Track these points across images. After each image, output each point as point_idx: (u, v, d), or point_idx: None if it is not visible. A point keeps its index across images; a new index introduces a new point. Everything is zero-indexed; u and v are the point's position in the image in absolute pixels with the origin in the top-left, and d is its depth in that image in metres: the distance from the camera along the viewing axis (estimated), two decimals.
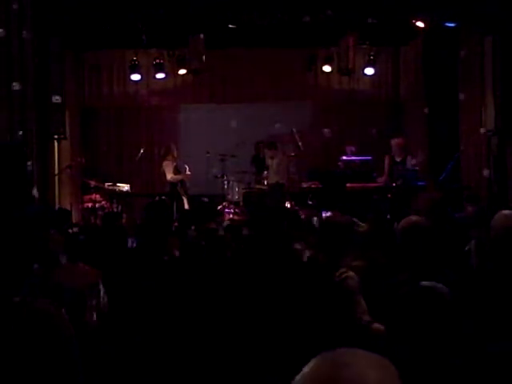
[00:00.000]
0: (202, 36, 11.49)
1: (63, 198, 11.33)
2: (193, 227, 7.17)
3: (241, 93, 12.92)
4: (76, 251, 4.86)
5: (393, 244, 4.27)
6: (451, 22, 10.62)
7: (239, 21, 10.95)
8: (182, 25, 10.98)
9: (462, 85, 11.22)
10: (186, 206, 11.08)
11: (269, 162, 11.44)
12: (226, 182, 11.77)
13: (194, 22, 10.98)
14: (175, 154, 11.24)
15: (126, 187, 11.66)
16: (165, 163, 11.12)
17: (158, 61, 12.08)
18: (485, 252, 4.51)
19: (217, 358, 3.76)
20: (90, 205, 11.29)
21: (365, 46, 12.14)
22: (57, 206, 10.53)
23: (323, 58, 12.44)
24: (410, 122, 12.85)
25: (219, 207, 11.37)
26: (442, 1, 10.13)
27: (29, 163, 8.85)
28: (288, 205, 10.90)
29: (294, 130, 11.57)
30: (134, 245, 6.08)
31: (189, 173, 11.16)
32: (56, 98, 10.47)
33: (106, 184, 11.47)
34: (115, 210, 11.08)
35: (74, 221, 10.14)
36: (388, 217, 9.13)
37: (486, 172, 10.33)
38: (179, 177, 11.10)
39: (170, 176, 11.01)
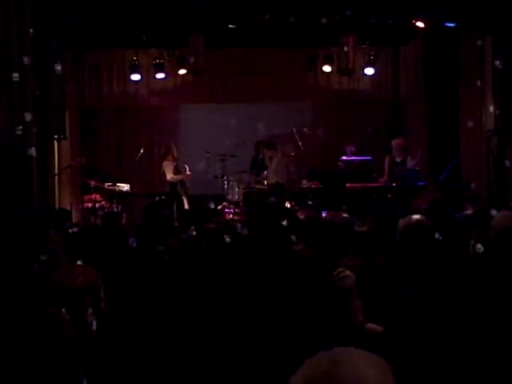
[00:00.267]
0: (201, 36, 11.50)
1: (63, 198, 11.33)
2: (193, 227, 7.16)
3: (241, 93, 12.92)
4: (76, 251, 4.85)
5: (393, 244, 4.27)
6: (451, 22, 10.62)
7: (239, 21, 10.95)
8: (182, 25, 10.98)
9: (461, 85, 11.22)
10: (186, 206, 11.08)
11: (268, 162, 11.44)
12: (225, 182, 11.78)
13: (194, 22, 10.98)
14: (175, 154, 11.24)
15: (126, 187, 11.66)
16: (165, 163, 11.12)
17: (157, 61, 12.07)
18: (485, 252, 4.52)
19: (217, 358, 3.76)
20: (90, 205, 11.29)
21: (365, 46, 12.14)
22: (57, 206, 10.53)
23: (323, 57, 12.44)
24: (410, 122, 12.85)
25: (219, 207, 11.38)
26: (441, 1, 10.13)
27: (29, 163, 8.85)
28: (288, 205, 10.91)
29: (294, 129, 11.58)
30: (134, 245, 6.08)
31: (189, 173, 11.16)
32: (57, 99, 10.49)
33: (106, 184, 11.47)
34: (115, 209, 11.07)
35: (74, 221, 10.14)
36: (388, 217, 9.12)
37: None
38: (179, 177, 11.10)
39: (169, 176, 11.02)
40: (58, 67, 10.65)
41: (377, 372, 1.28)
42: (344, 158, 11.82)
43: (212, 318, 4.05)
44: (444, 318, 2.60)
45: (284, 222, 5.81)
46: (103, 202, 11.31)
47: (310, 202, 11.22)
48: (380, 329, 3.49)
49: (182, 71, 12.33)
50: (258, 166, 11.83)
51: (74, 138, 12.10)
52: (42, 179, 9.96)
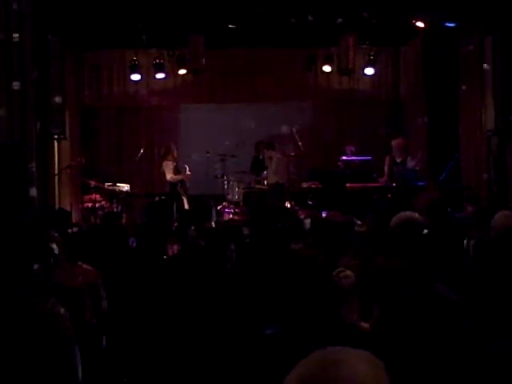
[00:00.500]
0: (201, 36, 11.50)
1: (63, 198, 11.32)
2: (193, 227, 7.16)
3: (241, 93, 12.92)
4: (76, 251, 4.85)
5: (392, 244, 4.28)
6: (451, 22, 10.62)
7: (239, 21, 10.95)
8: (182, 25, 10.98)
9: (461, 85, 11.22)
10: (186, 206, 11.07)
11: (268, 162, 11.43)
12: (226, 182, 11.77)
13: (194, 22, 10.98)
14: (175, 154, 11.23)
15: (126, 187, 11.66)
16: (165, 163, 11.11)
17: (157, 61, 12.07)
18: (485, 252, 4.51)
19: (216, 358, 3.76)
20: (90, 205, 11.29)
21: (365, 46, 12.14)
22: (57, 206, 10.53)
23: (323, 57, 12.43)
24: (410, 122, 12.85)
25: (219, 207, 11.38)
26: (442, 1, 10.13)
27: (30, 165, 8.85)
28: (288, 205, 10.91)
29: (294, 129, 11.58)
30: (134, 245, 6.09)
31: (189, 173, 11.15)
32: (57, 99, 10.50)
33: (106, 184, 11.46)
34: (115, 209, 11.08)
35: (74, 221, 10.14)
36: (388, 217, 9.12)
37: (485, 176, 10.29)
38: (179, 177, 11.09)
39: (169, 176, 11.01)
40: (58, 67, 10.65)
41: (370, 371, 1.30)
42: (344, 158, 11.82)
43: (212, 317, 4.05)
44: (442, 318, 2.60)
45: (285, 223, 5.83)
46: (103, 202, 11.30)
47: (310, 202, 11.22)
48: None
49: (182, 71, 12.33)
50: (258, 167, 11.83)
51: (74, 138, 12.10)
52: (42, 179, 9.96)
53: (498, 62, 9.84)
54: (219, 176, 11.78)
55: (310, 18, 10.43)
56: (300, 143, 11.42)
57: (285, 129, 11.35)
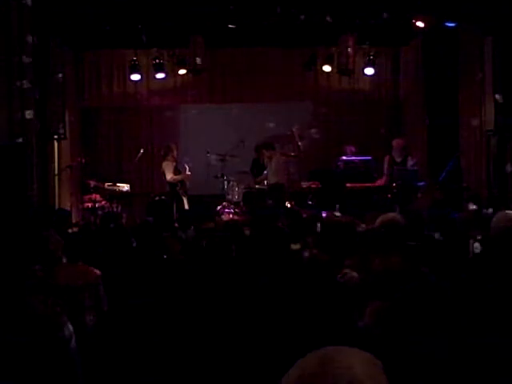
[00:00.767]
0: (201, 36, 11.50)
1: (63, 198, 11.32)
2: (192, 227, 7.17)
3: (241, 93, 12.92)
4: (76, 251, 4.86)
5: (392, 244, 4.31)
6: (451, 22, 10.62)
7: (239, 21, 10.95)
8: (182, 25, 10.98)
9: (461, 85, 11.22)
10: (186, 206, 11.08)
11: (267, 162, 11.42)
12: (225, 182, 11.78)
13: (194, 22, 10.98)
14: (175, 154, 11.24)
15: (126, 187, 11.66)
16: (165, 163, 11.12)
17: (157, 61, 12.07)
18: (485, 252, 4.51)
19: (217, 358, 3.76)
20: (90, 205, 11.30)
21: (365, 46, 12.14)
22: (57, 206, 10.53)
23: (323, 57, 12.43)
24: (409, 121, 12.85)
25: (219, 207, 11.38)
26: (442, 1, 10.13)
27: (30, 165, 8.85)
28: (288, 205, 10.90)
29: (294, 129, 11.57)
30: (134, 245, 6.08)
31: (189, 173, 11.16)
32: (57, 99, 10.52)
33: (106, 184, 11.47)
34: (115, 210, 11.08)
35: (74, 221, 10.14)
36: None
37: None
38: (179, 177, 11.10)
39: (169, 176, 11.02)
40: (58, 67, 10.65)
41: (364, 366, 1.30)
42: (344, 158, 11.82)
43: (212, 317, 4.05)
44: (439, 317, 2.60)
45: (287, 223, 5.83)
46: (103, 202, 11.31)
47: (310, 202, 11.22)
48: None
49: (182, 71, 12.33)
50: (257, 170, 11.82)
51: (74, 138, 12.10)
52: (42, 179, 9.96)
53: (498, 63, 9.84)
54: (219, 176, 11.78)
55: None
56: (300, 143, 11.41)
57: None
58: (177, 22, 10.80)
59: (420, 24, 10.66)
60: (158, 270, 4.98)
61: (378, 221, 4.40)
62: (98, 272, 4.81)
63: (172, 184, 11.07)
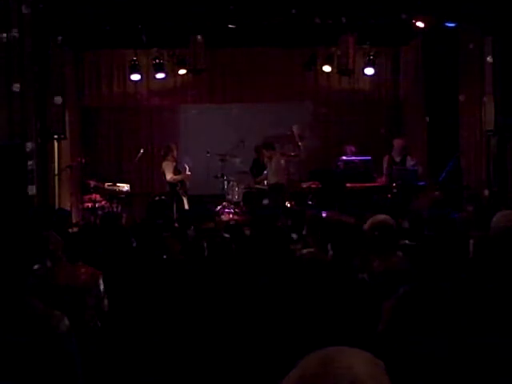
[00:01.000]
0: (201, 36, 11.50)
1: (63, 198, 11.32)
2: (192, 227, 7.17)
3: (241, 93, 12.92)
4: (76, 251, 4.85)
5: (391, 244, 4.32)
6: (451, 22, 10.62)
7: (239, 21, 10.95)
8: (182, 25, 10.98)
9: (461, 85, 11.22)
10: (186, 206, 11.08)
11: (267, 162, 11.42)
12: (225, 182, 11.78)
13: (194, 22, 10.98)
14: (175, 154, 11.24)
15: (125, 187, 11.67)
16: (165, 163, 11.12)
17: (157, 61, 12.07)
18: (485, 252, 4.52)
19: (217, 358, 3.76)
20: (89, 205, 11.30)
21: (365, 46, 12.14)
22: (57, 206, 10.53)
23: (323, 57, 12.43)
24: (409, 121, 12.85)
25: (219, 207, 11.38)
26: (442, 1, 10.13)
27: (29, 163, 8.84)
28: (288, 205, 10.91)
29: (294, 129, 11.57)
30: (134, 245, 6.08)
31: (189, 173, 11.16)
32: (56, 99, 10.50)
33: (106, 184, 11.47)
34: (115, 210, 11.08)
35: (74, 221, 10.14)
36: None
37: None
38: (179, 177, 11.10)
39: (169, 176, 11.02)
40: (58, 67, 10.65)
41: (367, 366, 1.30)
42: (344, 158, 11.82)
43: (212, 317, 4.05)
44: (439, 317, 2.60)
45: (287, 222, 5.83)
46: (103, 202, 11.31)
47: (310, 202, 11.22)
48: None
49: (182, 71, 12.33)
50: (257, 170, 11.82)
51: (74, 138, 12.10)
52: (42, 179, 9.96)
53: (498, 63, 9.84)
54: (219, 176, 11.78)
55: (310, 18, 10.41)
56: (300, 143, 11.41)
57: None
58: (177, 22, 10.80)
59: (420, 24, 10.66)
60: (158, 270, 4.98)
61: (368, 223, 4.38)
62: (98, 272, 4.81)
63: (172, 184, 11.07)
